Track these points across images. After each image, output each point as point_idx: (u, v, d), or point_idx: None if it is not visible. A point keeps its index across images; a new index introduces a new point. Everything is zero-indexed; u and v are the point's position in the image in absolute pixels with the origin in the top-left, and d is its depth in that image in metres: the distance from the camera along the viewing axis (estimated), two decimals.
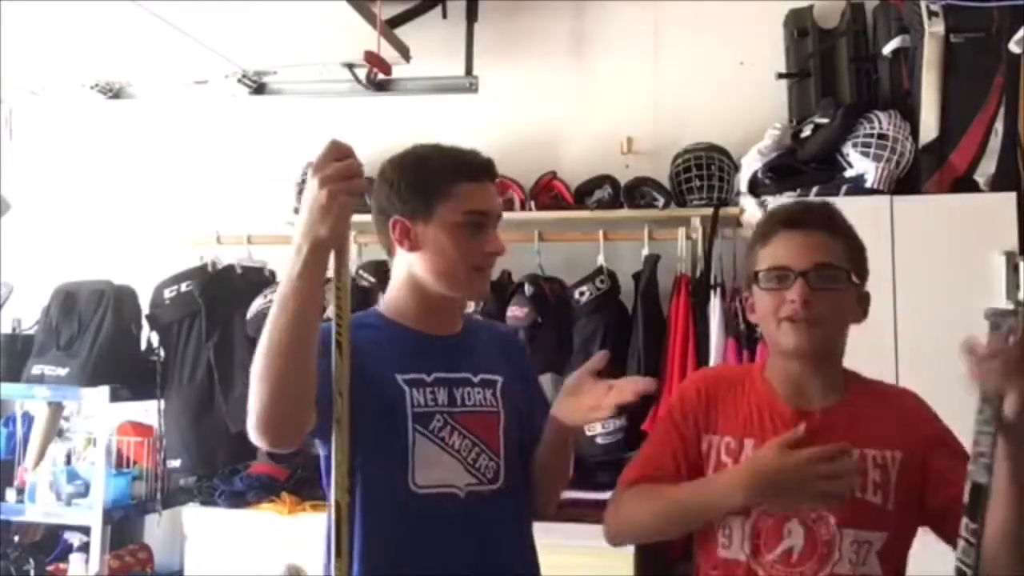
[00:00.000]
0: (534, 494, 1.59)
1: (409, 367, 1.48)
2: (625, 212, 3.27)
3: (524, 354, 1.74)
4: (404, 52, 3.30)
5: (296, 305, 1.24)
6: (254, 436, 1.30)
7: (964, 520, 1.23)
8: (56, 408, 3.45)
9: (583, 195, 3.35)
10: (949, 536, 1.29)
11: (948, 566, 1.25)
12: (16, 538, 3.47)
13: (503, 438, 1.52)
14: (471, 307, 3.11)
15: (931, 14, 2.92)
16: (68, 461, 3.40)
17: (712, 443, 1.46)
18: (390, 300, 1.57)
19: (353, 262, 3.43)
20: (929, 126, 2.95)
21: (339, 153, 1.25)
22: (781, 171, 3.03)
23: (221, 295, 3.35)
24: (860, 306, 1.46)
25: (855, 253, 1.46)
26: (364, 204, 1.41)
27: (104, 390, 3.23)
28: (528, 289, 3.13)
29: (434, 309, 1.54)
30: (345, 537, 1.30)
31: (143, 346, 3.44)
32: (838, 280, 1.41)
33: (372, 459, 1.43)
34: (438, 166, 1.52)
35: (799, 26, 3.32)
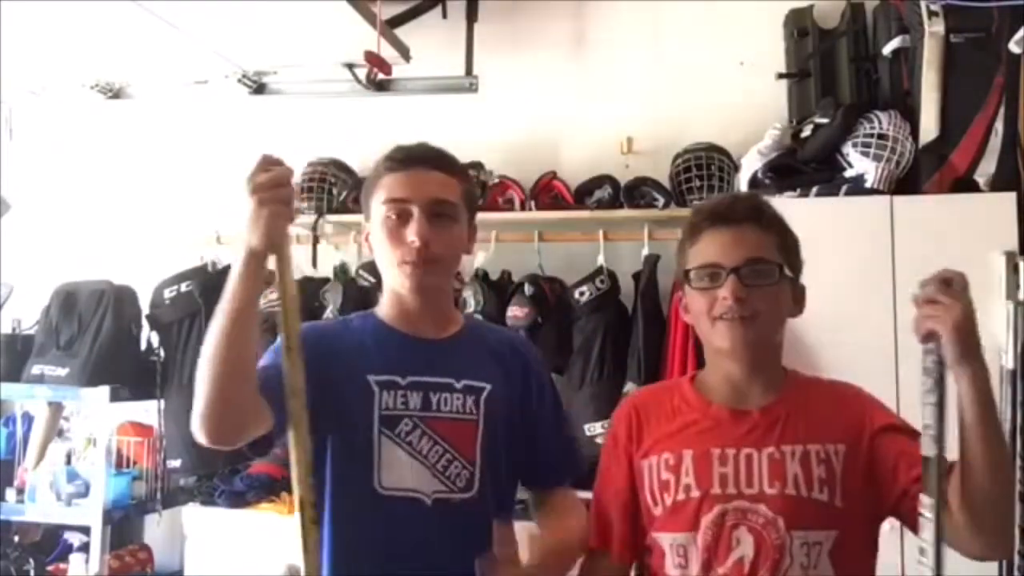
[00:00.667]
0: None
1: (384, 368, 1.47)
2: (625, 212, 3.27)
3: (532, 365, 1.62)
4: (404, 52, 3.30)
5: (231, 311, 1.30)
6: (195, 432, 1.33)
7: (921, 497, 1.21)
8: (56, 408, 3.45)
9: (583, 195, 3.35)
10: (914, 522, 1.26)
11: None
12: (16, 538, 3.46)
13: (480, 447, 1.48)
14: (471, 307, 3.13)
15: (931, 14, 2.92)
16: (68, 461, 3.40)
17: (651, 465, 1.40)
18: (381, 302, 1.58)
19: (353, 262, 3.44)
20: (929, 126, 2.95)
21: (268, 164, 1.29)
22: (781, 171, 3.03)
23: (221, 295, 3.34)
24: (796, 300, 1.42)
25: (787, 246, 1.41)
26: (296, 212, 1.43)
27: (104, 390, 3.23)
28: (528, 289, 3.13)
29: (408, 310, 1.52)
30: (312, 534, 1.30)
31: (143, 346, 3.44)
32: (771, 275, 1.36)
33: (339, 458, 1.45)
34: (374, 165, 1.55)
35: (799, 26, 3.32)
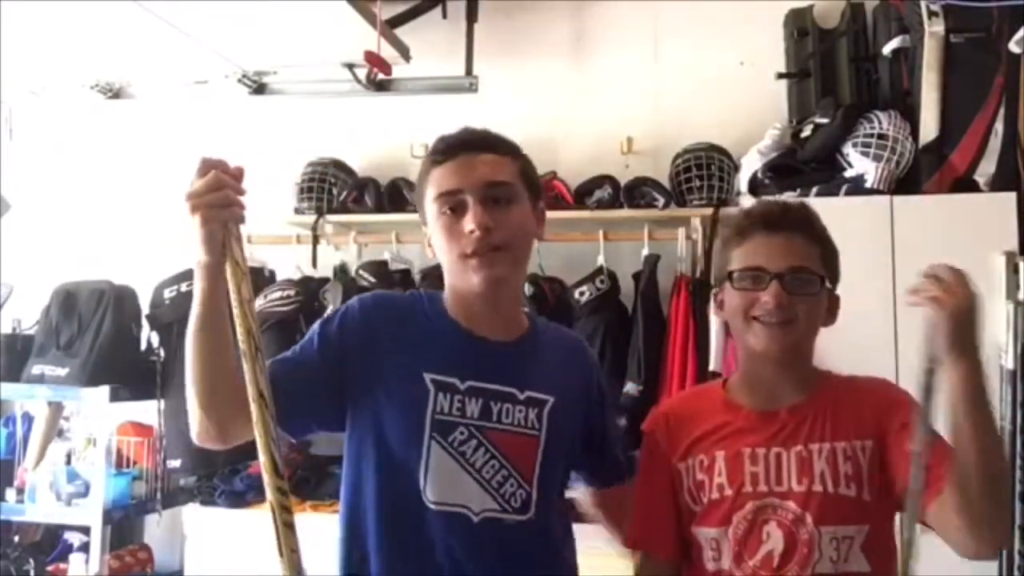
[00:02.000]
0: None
1: (442, 368, 1.35)
2: (625, 212, 3.27)
3: (593, 370, 1.55)
4: (404, 52, 3.30)
5: (195, 323, 1.28)
6: (194, 439, 1.34)
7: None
8: (56, 408, 3.45)
9: (583, 195, 3.35)
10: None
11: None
12: (16, 538, 3.46)
13: (540, 466, 1.37)
14: None
15: (931, 14, 2.92)
16: (68, 461, 3.40)
17: (687, 467, 1.44)
18: (444, 296, 1.46)
19: (353, 262, 3.44)
20: (929, 126, 2.95)
21: (203, 170, 1.25)
22: (781, 171, 3.03)
23: None
24: (830, 310, 1.46)
25: (829, 258, 1.45)
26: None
27: (104, 390, 3.23)
28: (528, 289, 3.13)
29: (473, 308, 1.40)
30: (287, 537, 1.22)
31: (143, 346, 3.44)
32: (813, 285, 1.40)
33: (386, 461, 1.35)
34: (421, 163, 1.46)
35: (799, 26, 3.32)
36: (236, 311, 1.24)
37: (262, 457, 1.23)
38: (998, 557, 2.45)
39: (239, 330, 1.24)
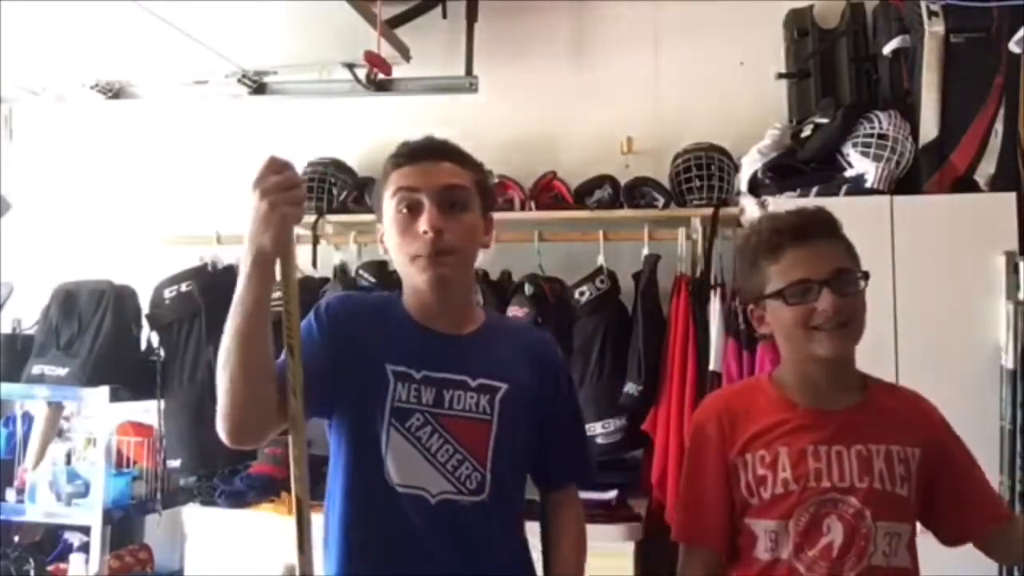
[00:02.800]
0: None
1: (401, 359, 1.45)
2: (625, 212, 3.27)
3: (556, 368, 1.61)
4: (404, 52, 3.30)
5: (244, 312, 1.31)
6: (219, 433, 1.35)
7: None
8: (56, 408, 3.45)
9: (583, 195, 3.35)
10: (936, 525, 1.52)
11: None
12: (16, 538, 3.46)
13: (493, 449, 1.45)
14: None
15: (931, 14, 2.92)
16: (68, 461, 3.39)
17: (746, 461, 1.49)
18: (404, 293, 1.56)
19: (353, 262, 3.44)
20: (929, 126, 2.95)
21: (277, 167, 1.30)
22: (781, 171, 3.03)
23: (221, 295, 3.32)
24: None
25: (854, 253, 1.52)
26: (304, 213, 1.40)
27: (104, 390, 3.23)
28: (528, 289, 3.13)
29: (425, 304, 1.50)
30: (307, 532, 1.32)
31: (143, 346, 3.44)
32: (856, 283, 1.47)
33: (354, 446, 1.45)
34: (383, 166, 1.54)
35: (799, 26, 3.32)
36: (285, 305, 1.33)
37: (294, 452, 1.31)
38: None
39: (286, 323, 1.33)
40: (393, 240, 1.48)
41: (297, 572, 1.32)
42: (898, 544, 1.44)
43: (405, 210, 1.45)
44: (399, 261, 1.49)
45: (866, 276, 1.48)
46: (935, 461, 1.49)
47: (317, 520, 1.38)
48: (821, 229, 1.49)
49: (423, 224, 1.43)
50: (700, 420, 1.57)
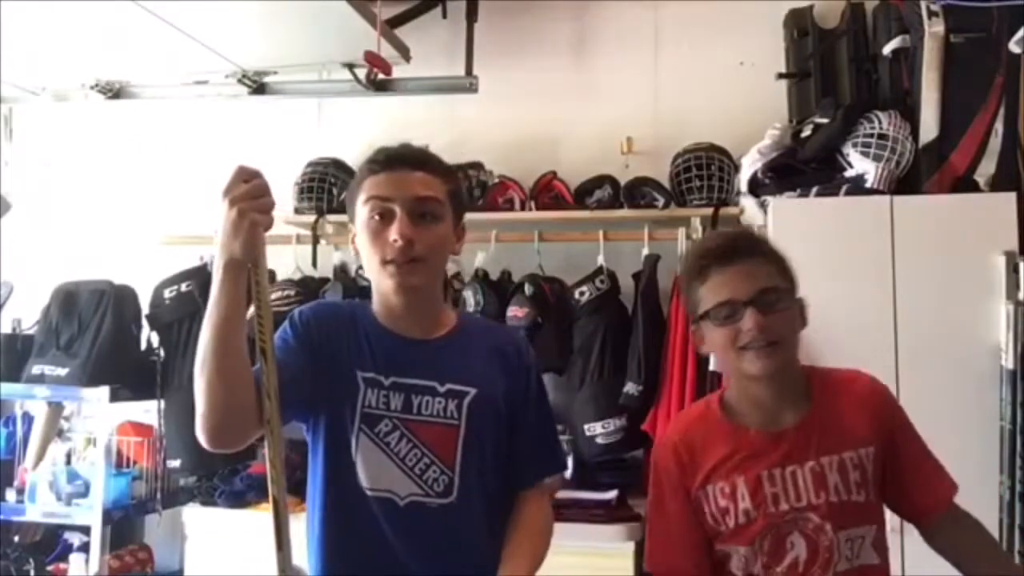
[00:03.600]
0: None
1: (371, 366, 1.48)
2: (625, 212, 3.27)
3: (527, 369, 1.61)
4: (404, 52, 3.30)
5: (218, 317, 1.32)
6: (199, 438, 1.37)
7: None
8: (56, 408, 3.45)
9: (583, 195, 3.35)
10: (894, 508, 1.53)
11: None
12: (16, 538, 3.47)
13: (461, 453, 1.48)
14: (471, 307, 3.13)
15: (931, 14, 2.92)
16: (68, 461, 3.40)
17: (708, 493, 1.51)
18: (373, 299, 1.59)
19: (353, 262, 3.44)
20: (929, 126, 2.95)
21: (247, 175, 1.34)
22: (781, 171, 3.03)
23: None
24: (802, 315, 1.53)
25: (786, 270, 1.52)
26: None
27: (104, 390, 3.23)
28: (528, 289, 3.13)
29: (394, 310, 1.52)
30: (285, 531, 1.35)
31: (143, 346, 3.44)
32: (782, 301, 1.47)
33: (329, 451, 1.49)
34: (358, 169, 1.57)
35: (799, 26, 3.32)
36: (257, 311, 1.35)
37: (270, 453, 1.34)
38: None
39: (259, 329, 1.34)
40: (365, 246, 1.50)
41: (276, 569, 1.36)
42: (861, 545, 1.47)
43: (377, 217, 1.48)
44: (369, 265, 1.51)
45: (790, 293, 1.48)
46: (887, 451, 1.51)
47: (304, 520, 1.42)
48: (745, 250, 1.50)
49: (394, 232, 1.45)
50: (658, 457, 1.59)
